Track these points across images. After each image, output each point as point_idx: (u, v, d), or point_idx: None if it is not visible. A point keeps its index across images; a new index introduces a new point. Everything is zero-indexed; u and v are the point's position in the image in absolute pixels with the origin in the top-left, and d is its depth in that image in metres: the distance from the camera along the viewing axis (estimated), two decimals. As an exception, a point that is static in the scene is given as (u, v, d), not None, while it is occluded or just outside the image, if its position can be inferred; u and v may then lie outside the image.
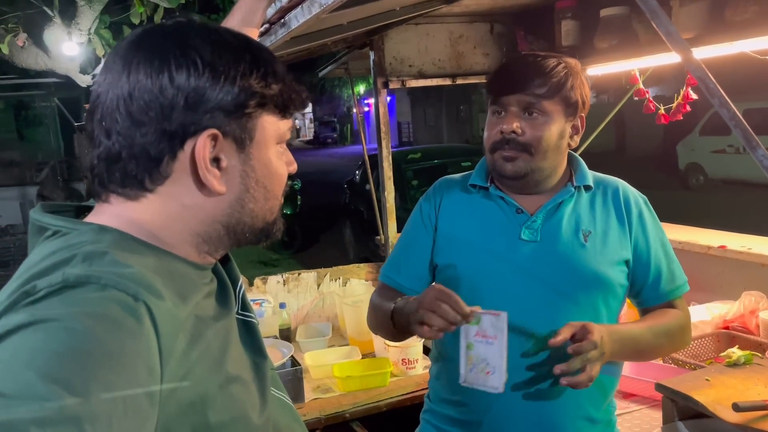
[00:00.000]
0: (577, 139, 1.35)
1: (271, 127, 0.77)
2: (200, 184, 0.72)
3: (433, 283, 1.22)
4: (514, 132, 1.28)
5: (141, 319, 0.61)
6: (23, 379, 0.51)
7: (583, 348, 1.14)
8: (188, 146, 0.71)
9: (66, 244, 0.67)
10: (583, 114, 1.34)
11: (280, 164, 0.80)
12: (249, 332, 0.85)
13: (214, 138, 0.71)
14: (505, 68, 1.37)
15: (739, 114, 0.68)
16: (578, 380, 1.14)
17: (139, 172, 0.71)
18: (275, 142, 0.78)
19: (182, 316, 0.67)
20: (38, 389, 0.51)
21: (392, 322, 1.32)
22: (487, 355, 1.12)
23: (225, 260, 0.85)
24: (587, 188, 1.36)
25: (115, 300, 0.60)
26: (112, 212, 0.74)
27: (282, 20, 1.46)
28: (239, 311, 0.85)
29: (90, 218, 0.75)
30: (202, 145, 0.71)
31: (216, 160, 0.73)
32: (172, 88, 0.69)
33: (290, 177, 0.84)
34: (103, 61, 6.14)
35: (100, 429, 0.52)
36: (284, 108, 0.78)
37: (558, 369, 1.15)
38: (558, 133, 1.29)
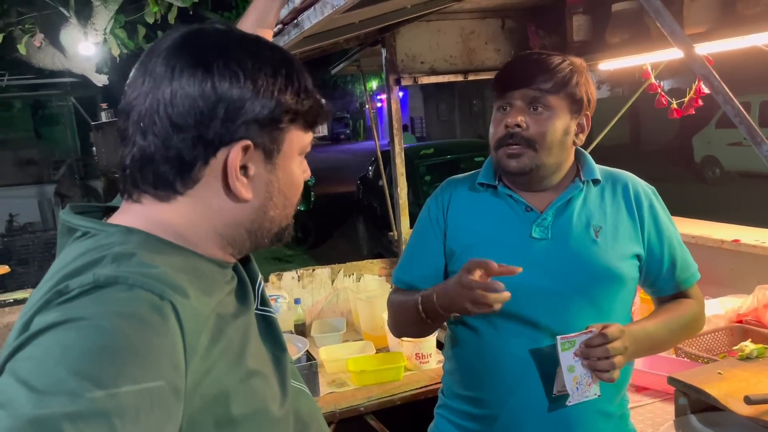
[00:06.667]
0: (582, 137, 1.34)
1: (297, 139, 0.79)
2: (228, 190, 0.75)
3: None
4: (518, 126, 1.27)
5: (167, 317, 0.63)
6: (55, 376, 0.54)
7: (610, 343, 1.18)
8: (221, 154, 0.73)
9: (95, 245, 0.69)
10: (588, 113, 1.34)
11: (300, 174, 0.83)
12: (268, 327, 0.87)
13: (246, 148, 0.74)
14: (511, 65, 1.36)
15: (743, 111, 0.69)
16: (601, 366, 1.17)
17: (171, 174, 0.73)
18: (298, 153, 0.81)
19: (206, 314, 0.69)
20: (69, 385, 0.53)
21: (420, 310, 1.29)
22: (587, 369, 1.20)
23: (245, 259, 0.87)
24: (595, 182, 1.36)
25: (142, 299, 0.62)
26: (139, 212, 0.75)
27: (295, 21, 1.48)
28: (258, 307, 0.87)
29: (116, 218, 0.77)
30: (235, 155, 0.73)
31: (244, 168, 0.75)
32: (215, 97, 0.71)
33: None
34: (118, 59, 6.22)
35: (128, 422, 0.54)
36: (312, 123, 0.81)
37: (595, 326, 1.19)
38: (563, 129, 1.29)
